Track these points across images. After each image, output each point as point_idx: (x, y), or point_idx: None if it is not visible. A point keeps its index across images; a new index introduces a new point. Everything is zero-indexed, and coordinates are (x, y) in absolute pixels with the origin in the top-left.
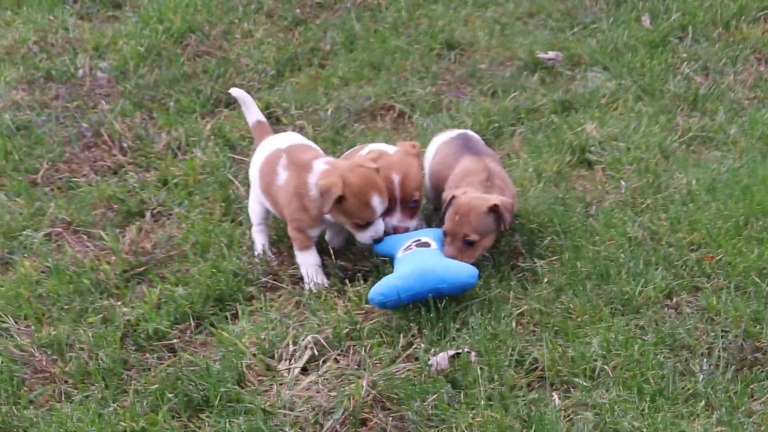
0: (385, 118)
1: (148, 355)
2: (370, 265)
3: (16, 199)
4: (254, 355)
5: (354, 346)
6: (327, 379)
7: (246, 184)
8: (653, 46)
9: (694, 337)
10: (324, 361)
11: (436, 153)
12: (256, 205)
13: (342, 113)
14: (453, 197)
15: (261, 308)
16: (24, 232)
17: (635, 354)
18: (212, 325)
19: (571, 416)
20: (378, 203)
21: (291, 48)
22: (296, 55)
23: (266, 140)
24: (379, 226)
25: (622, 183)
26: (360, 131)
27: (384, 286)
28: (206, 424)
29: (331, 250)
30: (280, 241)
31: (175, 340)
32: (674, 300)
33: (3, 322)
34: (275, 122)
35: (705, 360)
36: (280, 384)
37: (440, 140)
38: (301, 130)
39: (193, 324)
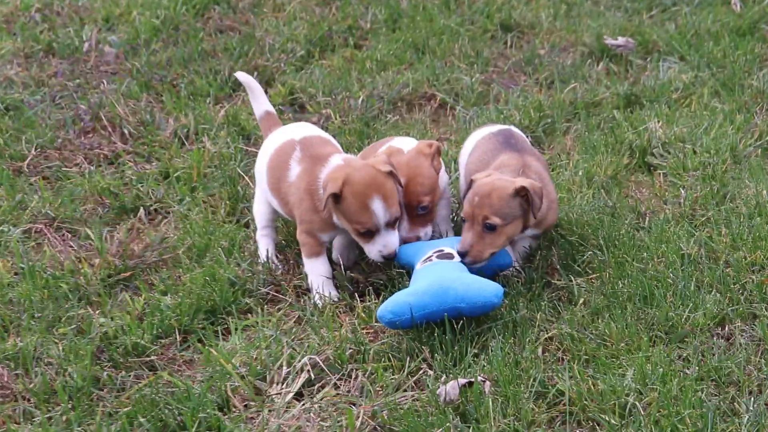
0: (425, 108)
1: (124, 373)
2: (384, 278)
3: None
4: (242, 377)
5: (357, 369)
6: (322, 406)
7: None
8: (740, 34)
9: (745, 372)
10: (322, 386)
11: (474, 150)
12: (262, 205)
13: (374, 102)
14: (472, 180)
15: (257, 323)
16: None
17: (674, 389)
18: (200, 341)
19: None
20: (380, 208)
21: (325, 25)
22: (331, 33)
23: (277, 132)
24: (389, 240)
25: (682, 192)
26: (393, 123)
27: (395, 303)
28: None
29: (341, 260)
30: (287, 246)
31: (154, 357)
32: (726, 328)
33: None
34: (299, 110)
35: (753, 399)
36: (269, 411)
37: (479, 135)
38: (326, 119)
39: (179, 339)
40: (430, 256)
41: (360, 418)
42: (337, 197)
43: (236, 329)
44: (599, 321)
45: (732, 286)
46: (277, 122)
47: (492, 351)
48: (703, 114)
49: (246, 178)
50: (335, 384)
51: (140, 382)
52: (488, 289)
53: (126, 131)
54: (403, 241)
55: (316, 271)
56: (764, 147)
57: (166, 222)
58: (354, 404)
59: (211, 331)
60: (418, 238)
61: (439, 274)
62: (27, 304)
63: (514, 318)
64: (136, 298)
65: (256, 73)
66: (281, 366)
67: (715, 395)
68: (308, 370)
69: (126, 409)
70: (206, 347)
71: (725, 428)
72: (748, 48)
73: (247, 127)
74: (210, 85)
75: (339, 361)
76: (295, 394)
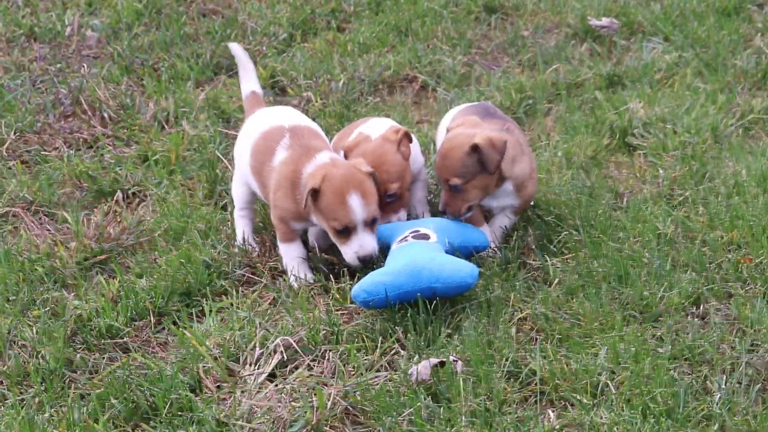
0: (406, 90)
1: (97, 355)
2: None
3: None
4: (215, 358)
5: (331, 351)
6: (294, 387)
7: None
8: (725, 14)
9: (719, 351)
10: (296, 368)
11: (452, 122)
12: (240, 186)
13: (355, 84)
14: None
15: (231, 305)
16: None
17: (646, 368)
18: (175, 323)
19: None
20: (357, 203)
21: (308, 8)
22: (314, 16)
23: (260, 114)
24: (365, 240)
25: (661, 172)
26: (373, 105)
27: (369, 283)
28: None
29: (316, 244)
30: (264, 228)
31: (127, 339)
32: (701, 308)
33: None
34: (280, 93)
35: (725, 377)
36: (241, 392)
37: (456, 110)
38: (307, 102)
39: (153, 321)
40: (406, 236)
41: (331, 399)
42: (315, 193)
43: (211, 311)
44: (573, 301)
45: (708, 265)
46: (262, 104)
47: (465, 331)
48: (686, 94)
49: (225, 161)
50: (308, 365)
51: (113, 364)
52: (463, 269)
53: (106, 115)
54: None
55: (291, 254)
56: (745, 127)
57: (144, 205)
58: (326, 385)
59: (185, 314)
60: None
61: (415, 254)
62: (2, 287)
63: (488, 298)
64: (111, 281)
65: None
66: (254, 347)
67: (688, 374)
68: (281, 352)
69: (98, 391)
70: (180, 329)
71: (697, 406)
72: (733, 28)
73: (227, 110)
74: (191, 69)
75: (312, 343)
76: (268, 376)
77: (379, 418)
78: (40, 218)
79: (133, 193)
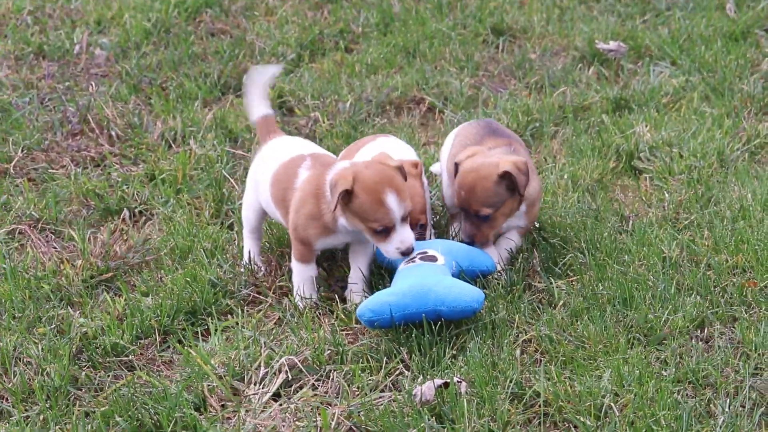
0: (413, 112)
1: (102, 373)
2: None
3: None
4: (220, 377)
5: (335, 370)
6: (299, 406)
7: (243, 182)
8: (733, 39)
9: (722, 374)
10: (300, 387)
11: (455, 138)
12: (252, 213)
13: (362, 105)
14: (457, 165)
15: (237, 324)
16: None
17: (650, 391)
18: (180, 341)
19: None
20: (394, 203)
21: (317, 29)
22: (322, 37)
23: (279, 143)
24: (405, 235)
25: (667, 195)
26: (381, 126)
27: (375, 302)
28: None
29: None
30: (271, 248)
31: (133, 357)
32: (705, 331)
33: None
34: (287, 113)
35: (729, 401)
36: (246, 411)
37: (459, 127)
38: (314, 122)
39: (158, 339)
40: (414, 258)
41: (336, 419)
42: (348, 195)
43: (216, 330)
44: (578, 323)
45: (712, 289)
46: (275, 127)
47: (469, 352)
48: (692, 118)
49: (232, 180)
50: (313, 385)
51: (118, 382)
52: (469, 294)
53: (113, 133)
54: None
55: (303, 274)
56: (751, 151)
57: (150, 224)
58: (330, 405)
59: (190, 332)
60: None
61: (421, 276)
62: (8, 304)
63: (493, 320)
64: (117, 299)
65: (246, 77)
66: (259, 366)
67: (692, 397)
68: (286, 371)
69: (103, 409)
70: (185, 348)
71: (700, 429)
72: (740, 53)
73: (235, 130)
74: (199, 88)
75: (317, 362)
76: (272, 395)
77: None
78: (46, 236)
79: (140, 212)
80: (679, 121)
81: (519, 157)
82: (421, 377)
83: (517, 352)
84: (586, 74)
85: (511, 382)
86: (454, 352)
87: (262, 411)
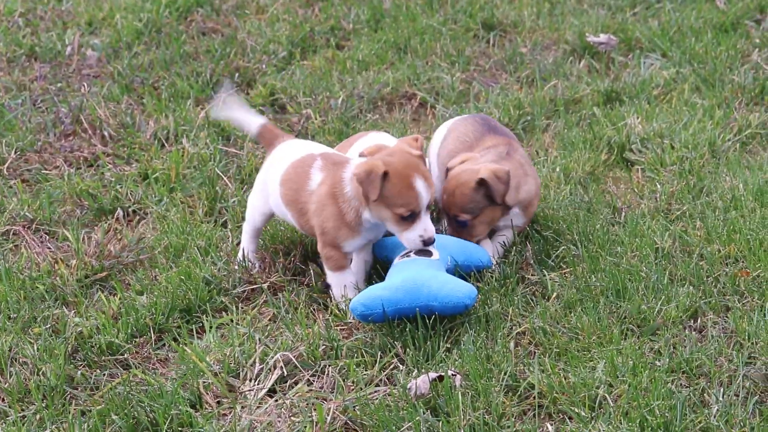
0: (405, 107)
1: (98, 372)
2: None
3: None
4: (215, 374)
5: (330, 366)
6: (294, 402)
7: (236, 180)
8: (723, 30)
9: (716, 363)
10: (295, 383)
11: (449, 134)
12: (258, 214)
13: (354, 101)
14: (448, 170)
15: (231, 321)
16: None
17: (644, 381)
18: (175, 339)
19: None
20: (423, 187)
21: (308, 26)
22: (313, 34)
23: (288, 145)
24: (428, 224)
25: (659, 186)
26: (372, 122)
27: (368, 297)
28: None
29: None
30: (265, 245)
31: (128, 355)
32: (699, 321)
33: None
34: (279, 110)
35: (723, 390)
36: (241, 407)
37: (451, 122)
38: (306, 119)
39: (153, 338)
40: (408, 252)
41: (331, 413)
42: (386, 176)
43: (211, 327)
44: (571, 315)
45: (705, 279)
46: (279, 131)
47: (464, 345)
48: (683, 110)
49: (225, 178)
50: (308, 380)
51: (114, 381)
52: (462, 290)
53: (106, 134)
54: None
55: (342, 281)
56: (742, 141)
57: (144, 223)
58: (326, 400)
59: (185, 330)
60: None
61: (415, 271)
62: (3, 305)
63: (486, 313)
64: (112, 298)
65: (237, 75)
66: (254, 363)
67: (686, 387)
68: (281, 367)
69: (99, 407)
70: (180, 345)
71: (694, 419)
72: (731, 43)
73: (227, 128)
74: (191, 87)
75: (312, 358)
76: (268, 391)
77: None
78: (40, 236)
79: (134, 211)
80: (670, 113)
81: (505, 164)
82: (416, 371)
83: (511, 344)
84: (577, 67)
85: (505, 374)
86: (449, 346)
87: (258, 407)
